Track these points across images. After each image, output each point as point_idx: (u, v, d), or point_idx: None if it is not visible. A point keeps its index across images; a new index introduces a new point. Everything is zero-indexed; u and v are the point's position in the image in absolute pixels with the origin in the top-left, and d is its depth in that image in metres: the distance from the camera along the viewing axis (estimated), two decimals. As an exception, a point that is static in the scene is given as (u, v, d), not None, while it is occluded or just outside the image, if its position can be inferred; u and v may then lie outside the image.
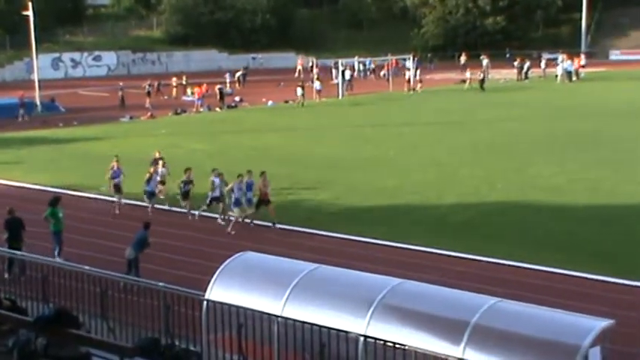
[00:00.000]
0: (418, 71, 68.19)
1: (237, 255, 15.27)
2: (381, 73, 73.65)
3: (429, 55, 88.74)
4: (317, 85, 60.29)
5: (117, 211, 26.92)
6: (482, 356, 11.90)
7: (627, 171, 31.48)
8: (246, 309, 13.58)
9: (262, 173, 25.01)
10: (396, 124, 46.36)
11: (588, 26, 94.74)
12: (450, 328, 12.57)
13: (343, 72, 64.52)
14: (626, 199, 26.98)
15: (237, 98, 61.12)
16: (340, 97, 61.73)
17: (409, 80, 64.96)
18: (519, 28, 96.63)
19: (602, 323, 12.00)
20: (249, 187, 24.70)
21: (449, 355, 11.96)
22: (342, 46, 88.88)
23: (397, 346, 12.23)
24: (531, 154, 35.71)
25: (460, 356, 11.95)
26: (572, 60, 72.63)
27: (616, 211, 25.63)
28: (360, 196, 27.60)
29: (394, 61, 74.23)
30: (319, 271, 14.64)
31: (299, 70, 77.98)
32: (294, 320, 13.14)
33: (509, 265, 20.48)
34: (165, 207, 27.24)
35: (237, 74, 71.83)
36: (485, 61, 76.35)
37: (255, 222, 24.94)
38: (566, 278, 19.56)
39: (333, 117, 51.40)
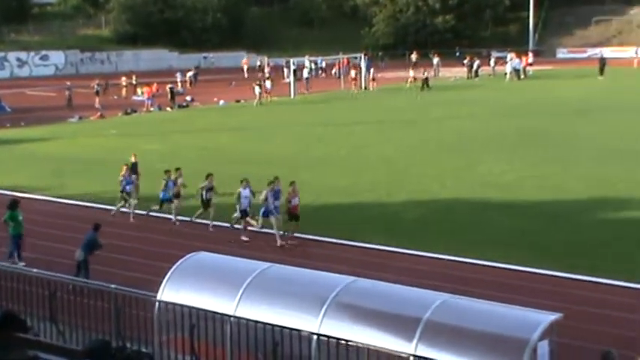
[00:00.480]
0: (372, 70, 68.46)
1: (189, 255, 15.19)
2: (333, 72, 73.84)
3: (380, 53, 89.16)
4: (267, 84, 60.25)
5: (132, 219, 25.63)
6: (434, 352, 11.99)
7: (574, 168, 31.92)
8: (198, 309, 13.54)
9: (292, 183, 23.10)
10: (348, 123, 46.49)
11: (535, 25, 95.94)
12: (403, 324, 12.65)
13: (295, 71, 64.50)
14: (573, 195, 27.36)
15: (188, 98, 60.83)
16: (292, 96, 61.73)
17: (355, 78, 64.96)
18: (469, 26, 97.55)
19: (550, 317, 12.17)
20: (277, 195, 22.93)
21: (401, 352, 12.05)
22: (294, 44, 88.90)
23: (350, 343, 12.30)
24: (481, 151, 36.05)
25: (412, 352, 12.04)
26: (521, 58, 73.52)
27: (564, 207, 25.97)
28: (313, 195, 27.61)
29: (345, 60, 74.45)
30: (272, 270, 14.64)
31: (245, 70, 77.89)
32: (247, 320, 13.14)
33: (460, 262, 20.66)
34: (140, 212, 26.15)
35: (189, 74, 71.47)
36: (435, 60, 77.06)
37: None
38: (515, 274, 19.78)
39: (284, 116, 51.39)
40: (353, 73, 65.58)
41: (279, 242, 22.33)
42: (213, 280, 14.61)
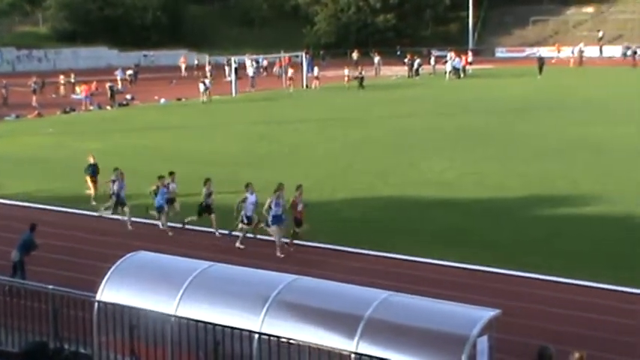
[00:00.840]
0: (316, 68, 68.56)
1: (129, 255, 15.02)
2: (274, 70, 73.73)
3: (322, 52, 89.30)
4: (207, 82, 59.89)
5: (130, 227, 24.22)
6: (375, 349, 12.01)
7: (513, 165, 32.33)
8: (138, 309, 13.39)
9: (298, 187, 21.97)
10: (291, 121, 46.46)
11: (475, 24, 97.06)
12: (344, 322, 12.66)
13: (236, 69, 64.26)
14: (513, 192, 27.69)
15: (128, 96, 60.15)
16: (234, 94, 61.48)
17: (292, 77, 64.87)
18: (409, 25, 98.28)
19: (489, 313, 12.28)
20: (279, 202, 21.79)
21: (343, 350, 12.05)
22: (235, 43, 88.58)
23: (292, 342, 12.27)
24: (423, 149, 36.31)
25: (354, 350, 12.05)
26: (460, 57, 74.29)
27: (504, 204, 26.28)
28: (258, 194, 27.57)
29: (287, 59, 74.40)
30: (214, 270, 14.55)
31: (183, 69, 77.37)
32: (188, 319, 13.03)
33: (401, 259, 20.75)
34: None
35: (128, 72, 70.76)
36: (376, 59, 77.48)
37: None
38: (457, 271, 19.95)
39: (227, 114, 51.14)
40: (290, 72, 65.53)
41: (278, 252, 21.16)
42: (154, 280, 14.46)
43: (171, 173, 24.77)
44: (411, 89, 63.83)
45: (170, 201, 24.05)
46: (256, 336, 12.60)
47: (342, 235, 22.80)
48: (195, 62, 79.92)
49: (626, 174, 30.10)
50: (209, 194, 23.27)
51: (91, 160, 27.86)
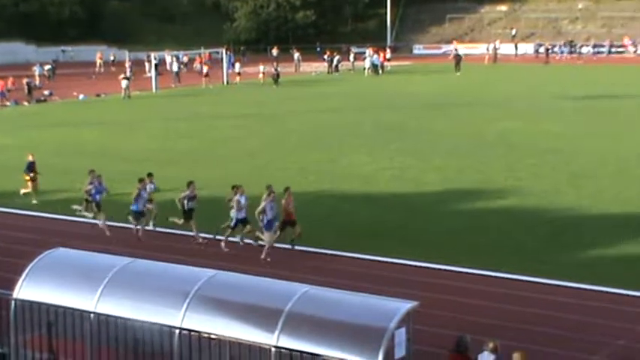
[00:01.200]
0: (237, 64, 68.35)
1: (47, 252, 14.76)
2: (195, 66, 73.17)
3: (242, 48, 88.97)
4: (128, 77, 59.02)
5: (107, 233, 22.57)
6: (295, 343, 12.05)
7: (430, 159, 32.75)
8: (57, 307, 13.18)
9: (287, 189, 21.46)
10: (211, 117, 46.21)
11: (393, 22, 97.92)
12: (265, 316, 12.66)
13: (156, 65, 63.56)
14: (429, 186, 28.07)
15: (46, 92, 58.94)
16: (154, 90, 60.80)
17: (207, 74, 64.43)
18: (329, 22, 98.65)
19: (407, 305, 12.41)
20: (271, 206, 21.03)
21: (263, 343, 12.06)
22: (155, 39, 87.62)
23: (212, 336, 12.23)
24: (342, 144, 36.48)
25: (274, 344, 12.07)
26: (379, 54, 74.89)
27: (420, 197, 26.61)
28: (176, 189, 27.36)
29: (207, 55, 73.92)
30: (134, 265, 14.39)
31: (100, 65, 76.15)
32: (108, 315, 12.88)
33: (321, 253, 20.83)
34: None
35: (46, 67, 69.37)
36: (296, 55, 77.54)
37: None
38: (375, 263, 20.13)
39: (148, 110, 50.56)
40: (205, 69, 65.16)
41: (264, 255, 20.49)
42: (73, 277, 14.24)
43: (150, 175, 23.66)
44: (331, 85, 64.06)
45: (149, 201, 22.97)
46: (177, 331, 12.52)
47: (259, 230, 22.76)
48: (112, 58, 78.79)
49: (536, 169, 30.74)
50: (192, 197, 21.93)
51: (30, 158, 27.11)
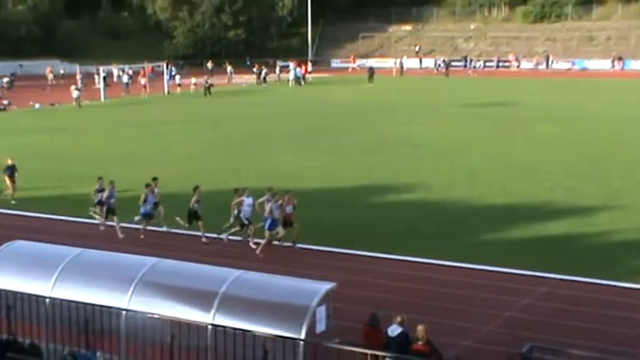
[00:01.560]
0: (178, 77, 67.69)
1: (6, 244, 14.48)
2: (139, 79, 72.09)
3: (181, 62, 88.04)
4: (79, 89, 57.76)
5: (121, 235, 21.48)
6: (230, 321, 12.04)
7: (346, 159, 32.94)
8: (15, 292, 12.92)
9: (288, 192, 20.76)
10: (155, 123, 45.60)
11: (313, 39, 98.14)
12: (202, 298, 12.62)
13: (105, 77, 62.49)
14: (346, 182, 28.21)
15: (5, 101, 57.36)
16: (103, 100, 59.70)
17: (145, 85, 63.50)
18: (258, 39, 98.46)
19: (326, 286, 12.50)
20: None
21: (201, 322, 12.00)
22: (103, 54, 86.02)
23: (155, 316, 12.15)
24: (271, 146, 36.41)
25: (211, 322, 12.02)
26: (301, 67, 74.97)
27: (339, 193, 26.74)
28: (123, 188, 26.93)
29: (150, 68, 72.94)
30: (85, 255, 14.22)
31: (52, 77, 74.38)
32: (62, 300, 12.68)
33: (254, 242, 20.75)
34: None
35: (5, 79, 67.76)
36: (229, 68, 77.14)
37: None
38: (301, 251, 20.17)
39: (97, 117, 49.59)
40: (143, 80, 64.31)
41: (258, 250, 19.92)
42: (30, 266, 14.03)
43: (155, 179, 22.57)
44: (260, 95, 63.85)
45: (155, 205, 21.96)
46: (123, 312, 12.37)
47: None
48: (61, 71, 77.30)
49: (437, 166, 31.17)
50: (197, 201, 21.08)
51: (9, 162, 26.23)
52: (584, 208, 23.88)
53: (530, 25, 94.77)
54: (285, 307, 12.27)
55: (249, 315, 12.18)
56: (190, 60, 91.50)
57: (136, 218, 21.99)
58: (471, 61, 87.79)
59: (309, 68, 78.14)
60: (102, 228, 22.28)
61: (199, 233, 21.18)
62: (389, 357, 11.35)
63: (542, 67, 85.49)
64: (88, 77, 69.77)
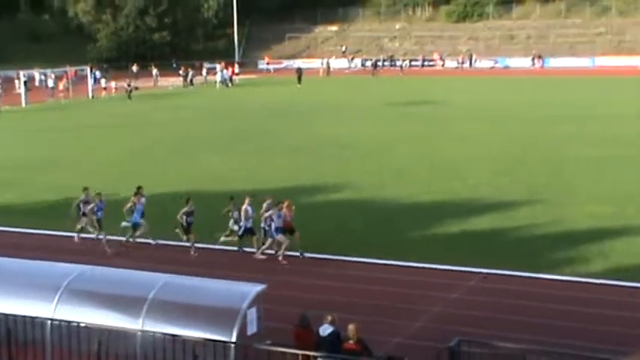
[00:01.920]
0: (103, 80, 66.69)
1: None
2: (62, 83, 70.62)
3: (105, 65, 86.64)
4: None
5: (108, 250, 20.23)
6: (159, 326, 11.94)
7: (275, 160, 32.95)
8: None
9: (286, 200, 20.03)
10: (79, 128, 44.75)
11: (240, 40, 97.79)
12: (131, 304, 12.49)
13: (25, 82, 61.00)
14: (275, 184, 28.09)
15: None
16: (24, 105, 58.28)
17: (66, 90, 62.25)
18: (183, 41, 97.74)
19: (256, 289, 12.53)
20: (279, 215, 19.63)
21: (130, 329, 11.86)
22: (23, 57, 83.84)
23: (82, 325, 11.93)
24: (198, 149, 36.16)
25: (140, 328, 11.90)
26: (228, 69, 74.68)
27: (269, 194, 26.56)
28: (52, 193, 26.41)
29: (73, 72, 71.55)
30: (6, 265, 13.89)
31: None
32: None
33: (183, 246, 20.51)
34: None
35: None
36: (154, 71, 76.28)
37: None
38: (232, 254, 20.08)
39: (18, 123, 48.44)
40: (60, 85, 63.14)
41: (258, 255, 19.55)
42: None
43: (140, 187, 21.41)
44: (187, 97, 63.32)
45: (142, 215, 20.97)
46: (48, 322, 12.13)
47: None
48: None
49: (364, 166, 31.41)
50: (190, 213, 20.14)
51: None
52: (508, 204, 24.44)
53: (453, 24, 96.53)
54: (216, 311, 12.23)
55: (179, 320, 12.11)
56: (115, 63, 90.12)
57: (123, 224, 20.93)
58: (397, 60, 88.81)
59: (236, 70, 77.90)
60: (103, 241, 20.47)
61: (187, 244, 20.22)
62: (320, 357, 11.43)
63: (466, 65, 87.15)
64: (8, 82, 67.95)
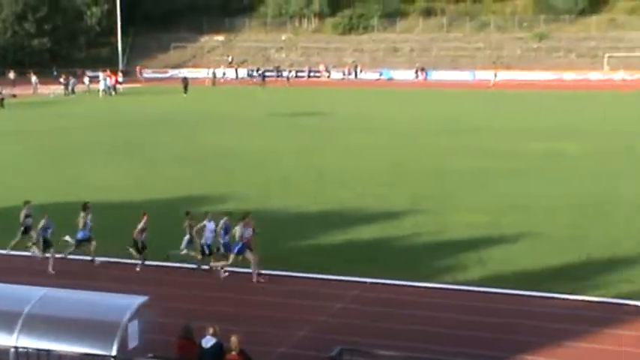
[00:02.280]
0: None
1: None
2: None
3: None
4: None
5: (51, 269, 19.17)
6: (35, 342, 11.56)
7: (161, 170, 32.54)
8: None
9: (247, 215, 19.02)
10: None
11: (124, 49, 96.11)
12: (5, 319, 12.02)
13: None
14: (161, 194, 27.78)
15: None
16: None
17: None
18: (64, 48, 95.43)
19: (137, 301, 12.32)
20: (227, 230, 18.99)
21: (3, 345, 11.44)
22: None
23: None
24: (79, 159, 35.22)
25: (14, 344, 11.48)
26: (111, 77, 73.24)
27: (155, 204, 26.10)
28: None
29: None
30: None
31: None
32: None
33: (81, 260, 19.97)
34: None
35: None
36: (34, 78, 73.97)
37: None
38: (125, 266, 19.66)
39: None
40: None
41: (255, 278, 18.50)
42: None
43: (86, 203, 20.27)
44: (68, 106, 61.61)
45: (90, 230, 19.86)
46: None
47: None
48: None
49: (250, 177, 31.39)
50: (143, 230, 19.48)
51: None
52: (392, 213, 24.97)
53: (339, 36, 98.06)
54: (95, 324, 11.95)
55: (56, 334, 11.76)
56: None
57: (67, 238, 19.95)
58: (284, 71, 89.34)
59: (120, 79, 76.45)
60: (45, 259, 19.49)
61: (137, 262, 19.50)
62: (203, 369, 11.35)
63: (352, 76, 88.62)
64: None
